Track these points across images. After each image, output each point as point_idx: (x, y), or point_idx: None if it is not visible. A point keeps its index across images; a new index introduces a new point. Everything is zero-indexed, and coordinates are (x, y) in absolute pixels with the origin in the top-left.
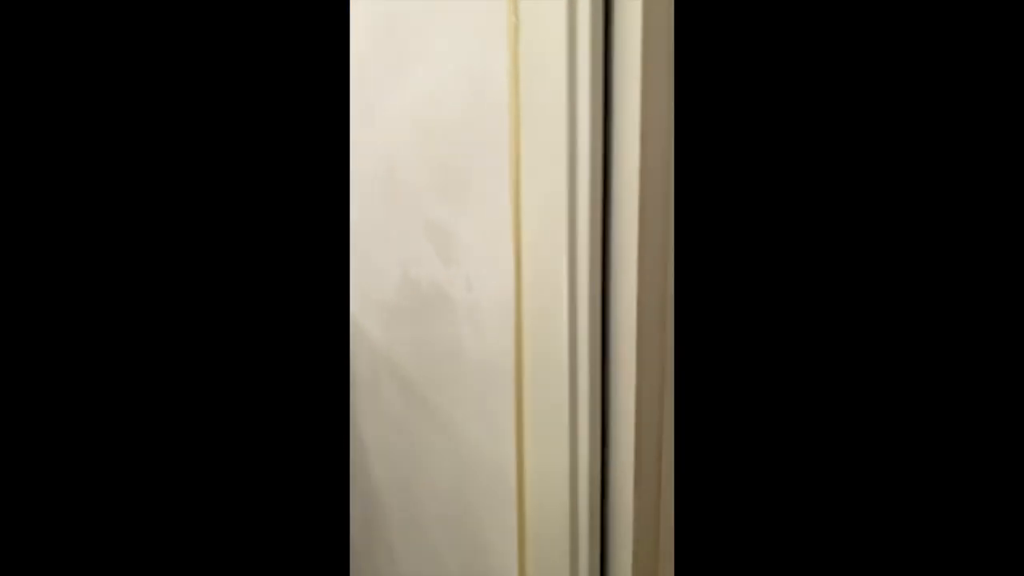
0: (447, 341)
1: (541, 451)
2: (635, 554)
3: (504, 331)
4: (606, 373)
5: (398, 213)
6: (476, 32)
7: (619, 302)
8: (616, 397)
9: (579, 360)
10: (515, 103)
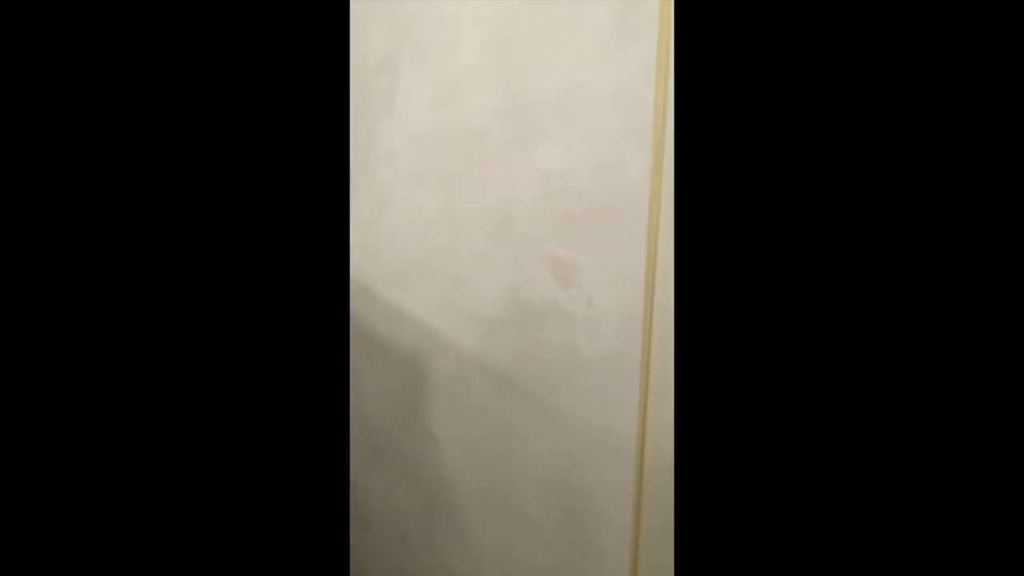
0: (559, 344)
1: (660, 418)
2: None
3: (627, 335)
4: None
5: (510, 246)
6: (616, 134)
7: None
8: None
9: None
10: (656, 190)
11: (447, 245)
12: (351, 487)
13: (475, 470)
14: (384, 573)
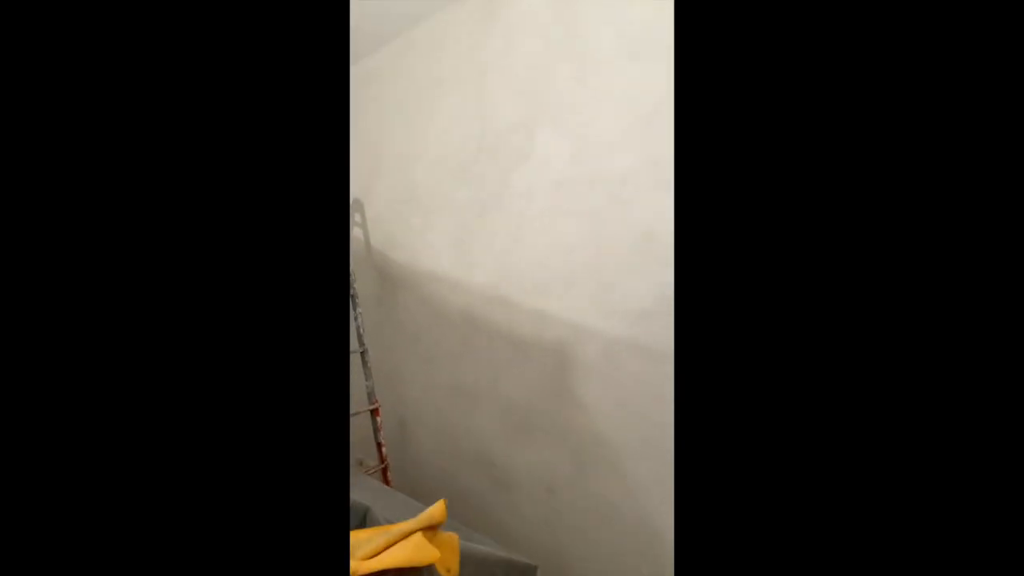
0: None
1: None
2: None
3: None
4: None
5: (654, 256)
6: None
7: None
8: None
9: None
10: None
11: (593, 261)
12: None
13: (631, 425)
14: (529, 522)
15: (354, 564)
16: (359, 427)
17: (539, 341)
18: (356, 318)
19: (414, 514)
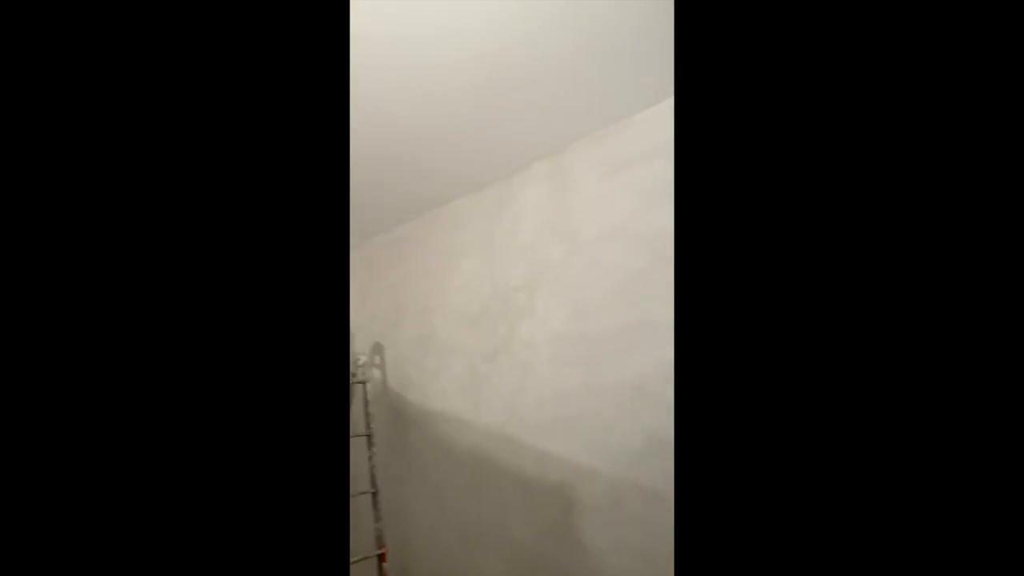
0: None
1: None
2: None
3: None
4: None
5: (647, 404)
6: None
7: None
8: None
9: None
10: None
11: (591, 406)
12: None
13: (635, 567)
14: None
15: None
16: (360, 574)
17: (543, 481)
18: (371, 458)
19: None
